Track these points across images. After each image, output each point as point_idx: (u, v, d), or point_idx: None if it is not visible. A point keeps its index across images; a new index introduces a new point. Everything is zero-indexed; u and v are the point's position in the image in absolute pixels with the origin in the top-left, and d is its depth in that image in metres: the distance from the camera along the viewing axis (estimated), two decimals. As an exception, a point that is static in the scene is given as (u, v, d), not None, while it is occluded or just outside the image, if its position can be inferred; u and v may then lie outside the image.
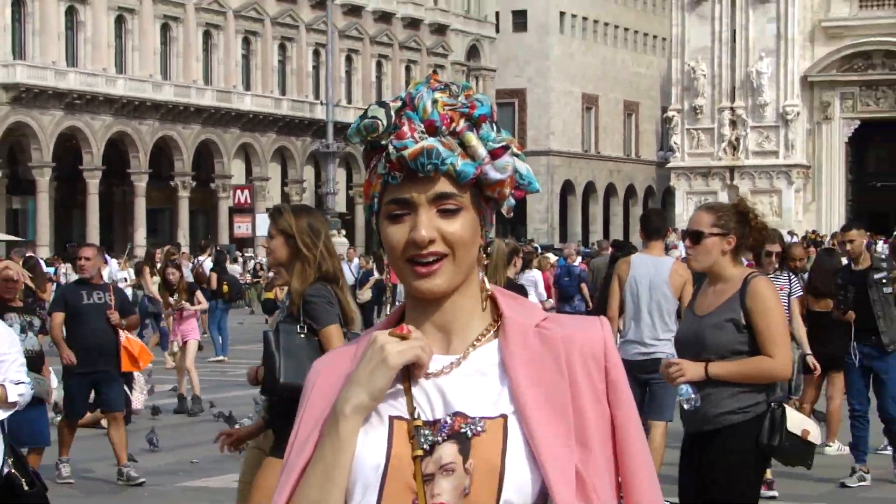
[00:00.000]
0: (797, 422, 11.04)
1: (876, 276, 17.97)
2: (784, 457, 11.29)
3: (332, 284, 9.59)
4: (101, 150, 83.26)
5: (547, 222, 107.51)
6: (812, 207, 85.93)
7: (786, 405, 11.03)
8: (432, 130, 2.89)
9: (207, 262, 45.96)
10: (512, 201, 3.07)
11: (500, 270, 16.15)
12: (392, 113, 2.90)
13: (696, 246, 9.78)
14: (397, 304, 3.94)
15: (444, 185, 2.89)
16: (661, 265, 17.70)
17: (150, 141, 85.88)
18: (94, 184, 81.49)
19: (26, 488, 10.26)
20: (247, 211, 74.42)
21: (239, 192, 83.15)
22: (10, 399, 10.23)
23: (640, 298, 17.51)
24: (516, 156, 3.03)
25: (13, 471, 10.27)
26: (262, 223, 73.99)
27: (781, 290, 15.31)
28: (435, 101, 2.91)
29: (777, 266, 16.07)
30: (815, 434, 10.31)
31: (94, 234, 79.13)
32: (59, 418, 20.14)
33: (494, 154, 2.91)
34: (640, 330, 17.62)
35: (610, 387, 3.04)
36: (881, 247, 65.89)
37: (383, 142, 2.89)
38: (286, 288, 10.60)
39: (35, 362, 15.39)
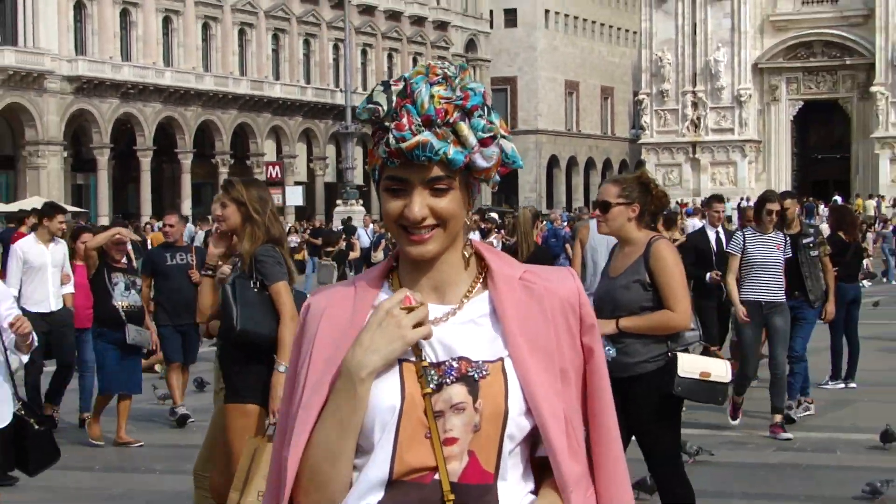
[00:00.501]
0: (690, 365, 11.08)
1: (804, 241, 17.83)
2: (690, 398, 11.37)
3: (279, 246, 9.54)
4: (152, 133, 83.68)
5: (536, 191, 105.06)
6: (763, 177, 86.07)
7: (679, 353, 11.02)
8: (428, 123, 3.00)
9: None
10: (497, 178, 3.18)
11: (528, 236, 17.24)
12: (393, 98, 3.02)
13: (604, 214, 9.79)
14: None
15: (436, 170, 3.01)
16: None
17: (193, 124, 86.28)
18: (146, 162, 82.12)
19: (36, 427, 10.03)
20: (277, 184, 73.62)
21: (270, 167, 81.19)
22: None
23: (598, 258, 17.13)
24: (504, 137, 3.13)
25: (22, 411, 9.99)
26: (291, 194, 75.60)
27: (777, 247, 15.48)
28: (432, 97, 3.01)
29: (776, 223, 15.56)
30: (719, 373, 10.44)
31: (146, 205, 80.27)
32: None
33: (483, 143, 3.04)
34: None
35: (585, 328, 3.23)
36: (822, 210, 68.04)
37: (386, 123, 3.01)
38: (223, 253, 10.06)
39: (137, 316, 15.61)
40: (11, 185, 76.79)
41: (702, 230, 18.41)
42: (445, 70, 3.05)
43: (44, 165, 76.30)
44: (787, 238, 16.53)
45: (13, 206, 58.14)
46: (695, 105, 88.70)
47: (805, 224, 19.95)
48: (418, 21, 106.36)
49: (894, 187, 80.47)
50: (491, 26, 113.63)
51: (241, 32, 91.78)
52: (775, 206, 15.65)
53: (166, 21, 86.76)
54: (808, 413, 17.77)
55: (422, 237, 3.02)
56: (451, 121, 2.96)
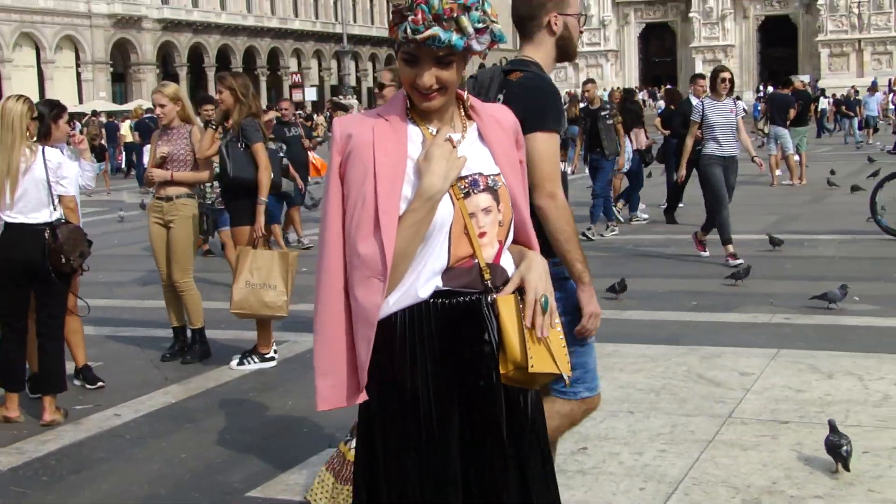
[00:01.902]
0: None
1: (602, 113, 16.68)
2: None
3: (257, 118, 8.69)
4: (214, 55, 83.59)
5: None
6: (619, 74, 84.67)
7: None
8: (437, 19, 2.84)
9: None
10: (487, 51, 2.98)
11: None
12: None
13: (381, 92, 8.11)
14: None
15: (442, 50, 2.88)
16: None
17: (241, 49, 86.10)
18: (210, 75, 77.65)
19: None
20: (299, 86, 72.10)
21: (294, 76, 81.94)
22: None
23: None
24: (493, 22, 2.94)
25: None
26: (308, 93, 73.36)
27: (731, 111, 13.40)
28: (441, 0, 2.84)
29: (729, 90, 13.45)
30: None
31: None
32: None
33: (479, 31, 2.89)
34: None
35: (518, 145, 3.22)
36: (659, 94, 62.57)
37: (405, 13, 2.86)
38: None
39: (285, 172, 12.97)
40: (122, 92, 76.66)
41: (687, 100, 16.34)
42: None
43: (143, 79, 76.13)
44: (736, 102, 14.89)
45: (127, 106, 57.87)
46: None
47: (603, 101, 18.05)
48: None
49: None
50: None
51: None
52: (728, 76, 13.78)
53: None
54: (613, 233, 16.48)
55: (429, 97, 2.97)
56: (455, 16, 2.85)
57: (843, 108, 41.59)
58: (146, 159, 9.17)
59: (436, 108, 3.02)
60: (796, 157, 23.14)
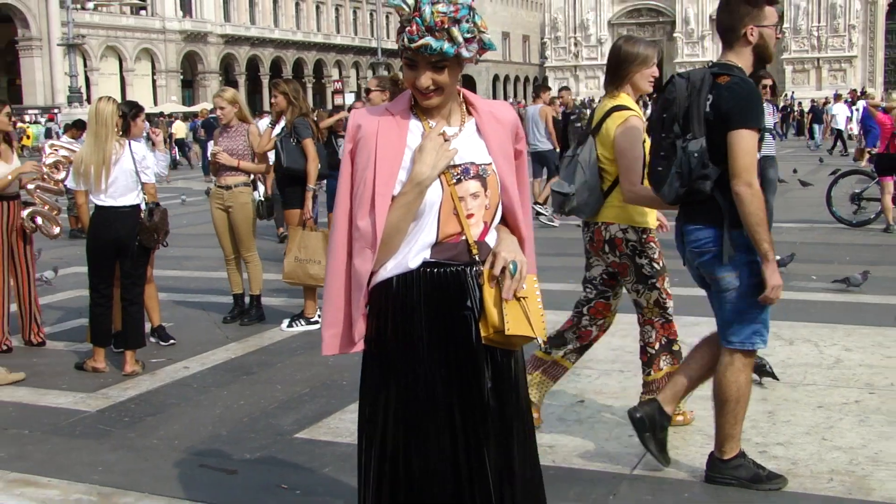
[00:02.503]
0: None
1: (572, 117, 16.85)
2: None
3: (307, 117, 8.63)
4: (268, 66, 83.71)
5: (488, 95, 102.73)
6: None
7: None
8: (430, 30, 2.83)
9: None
10: (479, 57, 2.96)
11: None
12: (409, 12, 2.85)
13: (367, 96, 8.83)
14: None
15: (436, 57, 2.87)
16: (536, 109, 17.07)
17: (291, 60, 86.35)
18: (265, 83, 79.84)
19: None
20: (340, 92, 73.41)
21: (336, 83, 77.92)
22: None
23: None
24: (482, 33, 2.92)
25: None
26: (348, 98, 73.59)
27: (769, 115, 10.85)
28: (433, 13, 2.82)
29: (770, 96, 11.31)
30: None
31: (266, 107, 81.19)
32: None
33: (468, 41, 2.88)
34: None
35: (517, 140, 3.17)
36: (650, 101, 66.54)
37: (405, 24, 2.86)
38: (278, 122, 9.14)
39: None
40: (190, 96, 76.80)
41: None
42: None
43: (208, 85, 76.19)
44: (775, 107, 13.49)
45: (194, 108, 59.52)
46: (575, 44, 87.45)
47: (576, 105, 18.03)
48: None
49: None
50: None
51: (318, 7, 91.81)
52: (769, 82, 12.33)
53: (265, 2, 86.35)
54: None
55: (427, 96, 2.95)
56: (446, 27, 2.83)
57: (810, 115, 41.39)
58: (209, 153, 9.07)
59: (434, 106, 3.01)
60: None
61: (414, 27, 2.85)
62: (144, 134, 8.63)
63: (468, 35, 2.89)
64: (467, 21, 2.88)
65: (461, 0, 2.88)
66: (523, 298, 2.96)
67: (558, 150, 16.67)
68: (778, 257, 9.38)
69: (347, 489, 4.75)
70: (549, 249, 11.85)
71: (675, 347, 5.68)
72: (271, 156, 8.95)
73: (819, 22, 77.15)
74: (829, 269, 10.70)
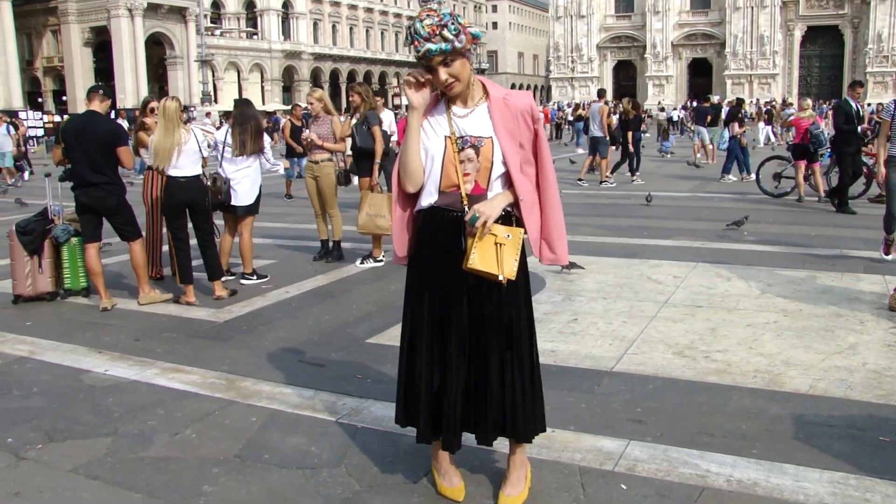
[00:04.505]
0: None
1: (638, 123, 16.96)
2: None
3: (375, 109, 8.43)
4: (345, 76, 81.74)
5: None
6: (591, 93, 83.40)
7: None
8: (427, 40, 2.77)
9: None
10: (474, 45, 2.89)
11: None
12: (411, 35, 2.80)
13: (352, 101, 8.53)
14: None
15: (441, 56, 2.81)
16: (597, 106, 16.60)
17: (362, 71, 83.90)
18: (343, 89, 78.61)
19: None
20: (398, 95, 72.40)
21: (396, 88, 78.21)
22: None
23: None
24: (467, 27, 2.85)
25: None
26: (404, 100, 75.38)
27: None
28: (423, 27, 2.78)
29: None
30: None
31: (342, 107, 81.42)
32: None
33: (456, 35, 2.80)
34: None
35: (534, 121, 2.98)
36: (619, 103, 65.90)
37: (411, 45, 2.82)
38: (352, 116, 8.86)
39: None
40: (290, 99, 73.07)
41: (846, 100, 12.37)
42: (429, 10, 2.83)
43: (301, 90, 74.26)
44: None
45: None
46: (572, 61, 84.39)
47: (636, 111, 17.03)
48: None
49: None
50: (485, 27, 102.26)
51: (382, 33, 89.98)
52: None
53: (344, 28, 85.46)
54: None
55: (450, 87, 2.88)
56: (437, 33, 2.77)
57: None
58: (303, 137, 8.95)
59: (457, 94, 2.95)
60: (710, 146, 22.58)
61: (416, 44, 2.82)
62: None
63: (455, 32, 2.82)
64: (452, 23, 2.82)
65: (442, 11, 2.84)
66: (501, 245, 2.87)
67: (608, 137, 16.63)
68: (736, 219, 9.95)
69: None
70: (590, 211, 11.85)
71: None
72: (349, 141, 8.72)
73: (751, 48, 76.48)
74: (758, 227, 10.51)
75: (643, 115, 20.23)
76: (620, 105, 19.72)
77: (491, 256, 2.85)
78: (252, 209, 7.83)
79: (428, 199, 3.00)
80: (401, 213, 3.11)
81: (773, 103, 50.65)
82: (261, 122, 7.87)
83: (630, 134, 17.14)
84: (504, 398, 3.05)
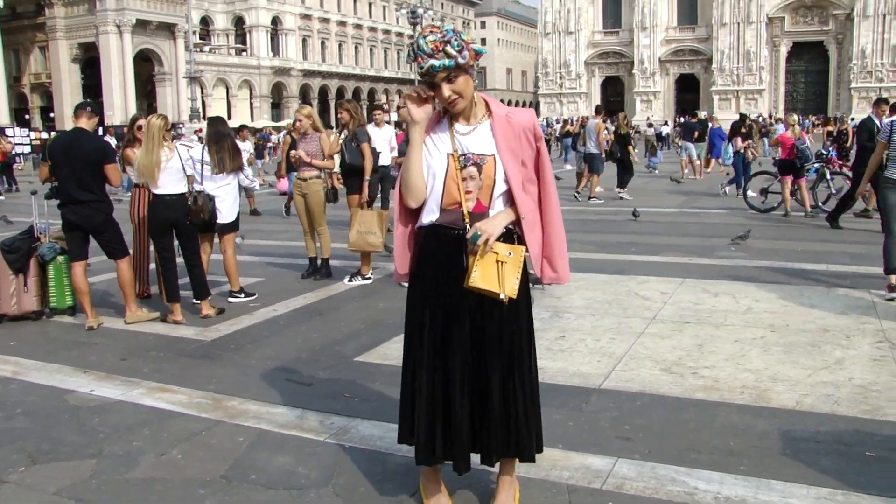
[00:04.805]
0: None
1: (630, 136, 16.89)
2: None
3: (363, 126, 8.50)
4: (334, 93, 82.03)
5: None
6: (588, 108, 76.92)
7: None
8: (431, 56, 2.77)
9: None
10: (476, 63, 2.87)
11: None
12: (414, 51, 2.81)
13: (399, 111, 7.61)
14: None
15: (444, 73, 2.81)
16: (593, 123, 16.48)
17: (351, 88, 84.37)
18: (332, 106, 78.64)
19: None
20: (387, 112, 73.19)
21: (385, 105, 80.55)
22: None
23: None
24: (471, 44, 2.86)
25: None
26: (393, 116, 75.07)
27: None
28: (426, 44, 2.78)
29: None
30: None
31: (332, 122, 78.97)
32: None
33: (459, 51, 2.80)
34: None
35: (536, 139, 2.98)
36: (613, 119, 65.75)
37: (416, 63, 2.83)
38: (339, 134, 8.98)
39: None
40: (278, 114, 75.00)
41: (869, 118, 11.78)
42: (432, 27, 2.84)
43: (290, 106, 72.98)
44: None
45: (280, 123, 59.63)
46: (560, 77, 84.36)
47: (626, 127, 16.65)
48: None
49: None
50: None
51: (370, 49, 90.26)
52: (886, 108, 11.42)
53: (333, 45, 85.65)
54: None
55: (452, 104, 2.87)
56: (441, 49, 2.77)
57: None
58: (291, 154, 8.94)
59: (460, 110, 2.94)
60: (697, 162, 22.75)
61: (420, 60, 2.82)
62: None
63: (458, 48, 2.82)
64: (455, 40, 2.82)
65: (445, 28, 2.84)
66: (502, 263, 2.86)
67: (604, 154, 16.56)
68: (739, 233, 10.26)
69: (391, 397, 4.79)
70: (579, 227, 11.68)
71: None
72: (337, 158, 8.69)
73: (738, 63, 77.00)
74: (746, 242, 10.50)
75: (631, 132, 20.33)
76: (614, 119, 20.35)
77: (492, 274, 2.84)
78: (234, 226, 7.81)
79: (429, 216, 2.99)
80: (403, 229, 3.10)
81: (760, 118, 51.04)
82: (234, 140, 7.81)
83: (630, 148, 17.17)
84: (508, 417, 3.04)
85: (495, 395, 3.02)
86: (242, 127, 17.71)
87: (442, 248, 2.98)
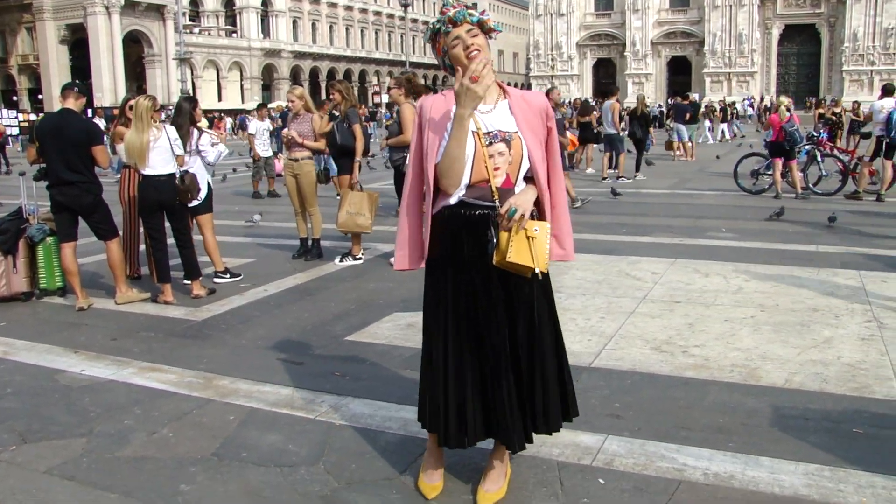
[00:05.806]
0: None
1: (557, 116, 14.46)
2: None
3: (356, 108, 8.35)
4: (325, 75, 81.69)
5: None
6: (580, 90, 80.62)
7: None
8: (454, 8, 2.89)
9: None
10: (493, 36, 2.97)
11: None
12: (437, 22, 2.93)
13: (389, 91, 8.46)
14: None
15: (468, 25, 2.90)
16: (608, 104, 16.62)
17: (342, 70, 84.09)
18: (323, 88, 78.05)
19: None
20: (378, 93, 72.03)
21: (375, 87, 79.09)
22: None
23: None
24: (487, 20, 2.94)
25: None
26: (384, 98, 73.69)
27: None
28: (451, 6, 2.91)
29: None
30: None
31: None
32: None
33: (481, 14, 2.93)
34: None
35: (548, 119, 3.05)
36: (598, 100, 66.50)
37: (438, 27, 2.92)
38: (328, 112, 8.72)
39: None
40: (269, 96, 73.04)
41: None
42: (453, 4, 2.93)
43: (281, 88, 73.55)
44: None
45: (271, 105, 59.76)
46: (552, 59, 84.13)
47: (558, 103, 18.38)
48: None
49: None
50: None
51: (362, 31, 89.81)
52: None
53: (324, 26, 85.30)
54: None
55: (474, 57, 2.87)
56: (465, 7, 2.87)
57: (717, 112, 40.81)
58: (282, 134, 8.96)
59: (483, 92, 2.87)
60: (689, 143, 22.81)
61: (448, 10, 2.89)
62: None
63: (479, 12, 2.92)
64: (475, 10, 2.94)
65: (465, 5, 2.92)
66: (532, 238, 2.86)
67: (621, 133, 16.74)
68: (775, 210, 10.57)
69: (382, 375, 4.82)
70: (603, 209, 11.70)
71: None
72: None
73: (730, 46, 76.97)
74: (736, 223, 10.53)
75: (623, 114, 20.37)
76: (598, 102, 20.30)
77: (525, 250, 2.85)
78: (206, 206, 7.64)
79: (455, 195, 2.99)
80: (418, 216, 3.09)
81: (752, 101, 51.11)
82: (190, 118, 7.56)
83: (646, 128, 17.31)
84: (545, 392, 3.08)
85: (536, 368, 3.05)
86: (261, 105, 17.53)
87: (467, 227, 2.98)
